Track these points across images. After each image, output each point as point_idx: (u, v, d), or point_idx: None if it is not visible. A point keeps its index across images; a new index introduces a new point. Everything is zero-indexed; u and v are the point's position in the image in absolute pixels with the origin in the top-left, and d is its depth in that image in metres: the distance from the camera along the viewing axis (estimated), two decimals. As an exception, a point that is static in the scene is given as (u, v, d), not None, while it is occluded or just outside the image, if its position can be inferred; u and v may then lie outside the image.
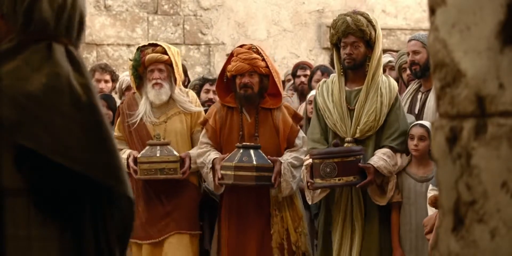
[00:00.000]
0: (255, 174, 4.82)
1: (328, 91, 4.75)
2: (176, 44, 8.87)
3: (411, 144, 4.61)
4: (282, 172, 4.87)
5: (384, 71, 6.03)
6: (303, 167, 4.70)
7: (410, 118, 4.97)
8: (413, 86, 5.35)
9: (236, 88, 5.04)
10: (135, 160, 5.04)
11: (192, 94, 5.37)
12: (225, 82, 5.13)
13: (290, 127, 5.04)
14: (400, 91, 5.83)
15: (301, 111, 6.03)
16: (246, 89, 5.00)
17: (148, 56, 5.15)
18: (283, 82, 6.83)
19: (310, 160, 4.57)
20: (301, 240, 4.99)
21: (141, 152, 5.08)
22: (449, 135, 1.63)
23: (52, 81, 1.86)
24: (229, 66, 5.06)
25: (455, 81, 1.62)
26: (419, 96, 5.24)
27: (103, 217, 1.94)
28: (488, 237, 1.54)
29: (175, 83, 5.21)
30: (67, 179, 1.88)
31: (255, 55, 5.03)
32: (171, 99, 5.20)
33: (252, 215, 5.00)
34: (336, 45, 4.74)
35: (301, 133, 5.09)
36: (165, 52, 5.17)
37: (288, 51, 9.46)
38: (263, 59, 5.05)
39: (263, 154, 4.90)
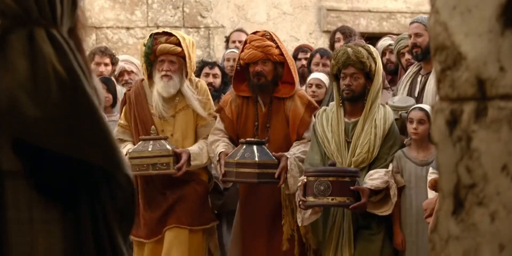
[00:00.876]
0: (257, 171, 4.68)
1: (327, 120, 4.69)
2: (175, 27, 8.84)
3: (410, 127, 4.61)
4: (288, 167, 4.72)
5: (384, 54, 6.01)
6: (298, 189, 4.59)
7: (410, 101, 4.97)
8: (413, 69, 5.34)
9: (249, 77, 4.91)
10: None
11: (202, 84, 5.14)
12: (239, 70, 5.00)
13: (300, 119, 4.89)
14: (400, 76, 5.83)
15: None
16: (259, 78, 4.86)
17: (160, 46, 4.93)
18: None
19: (305, 179, 4.48)
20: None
21: (133, 147, 4.88)
22: (450, 118, 1.63)
23: (37, 69, 1.85)
24: (242, 54, 4.91)
25: (455, 64, 1.61)
26: (419, 79, 5.23)
27: (101, 201, 1.94)
28: (488, 220, 1.54)
29: (186, 76, 5.01)
30: (64, 163, 1.88)
31: (268, 42, 4.89)
32: (180, 92, 4.99)
33: (263, 205, 4.92)
34: (336, 76, 4.69)
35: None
36: (179, 44, 4.94)
37: (288, 34, 9.42)
38: (277, 46, 4.90)
39: (267, 150, 4.76)
